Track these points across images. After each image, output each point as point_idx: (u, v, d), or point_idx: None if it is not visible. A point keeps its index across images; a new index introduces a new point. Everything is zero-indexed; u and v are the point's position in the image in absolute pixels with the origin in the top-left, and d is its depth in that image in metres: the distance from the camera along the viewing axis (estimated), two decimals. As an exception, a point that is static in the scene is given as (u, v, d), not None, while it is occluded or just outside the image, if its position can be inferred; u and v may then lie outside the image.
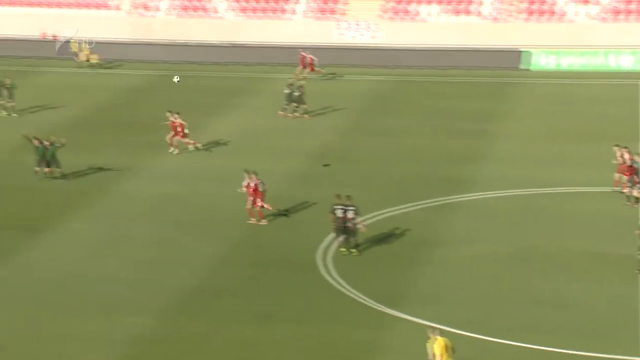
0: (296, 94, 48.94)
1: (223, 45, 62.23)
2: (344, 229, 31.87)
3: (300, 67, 55.90)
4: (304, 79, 54.42)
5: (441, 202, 37.03)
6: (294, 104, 48.90)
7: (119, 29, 64.67)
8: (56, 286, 29.90)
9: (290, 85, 49.56)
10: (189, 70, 59.56)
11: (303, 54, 56.53)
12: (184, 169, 41.18)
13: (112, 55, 62.46)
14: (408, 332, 26.56)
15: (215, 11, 65.42)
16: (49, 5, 66.58)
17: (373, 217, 35.03)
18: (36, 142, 39.19)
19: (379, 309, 28.09)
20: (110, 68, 60.97)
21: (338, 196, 32.22)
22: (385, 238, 33.48)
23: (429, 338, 23.59)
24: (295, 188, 38.75)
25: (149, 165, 41.74)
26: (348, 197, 32.10)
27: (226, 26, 64.43)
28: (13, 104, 49.72)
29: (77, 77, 58.92)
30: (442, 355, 23.14)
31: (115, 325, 27.34)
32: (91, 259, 32.18)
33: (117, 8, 66.18)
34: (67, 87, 56.14)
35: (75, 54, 61.07)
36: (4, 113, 49.73)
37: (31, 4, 66.63)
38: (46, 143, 39.14)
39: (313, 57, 56.21)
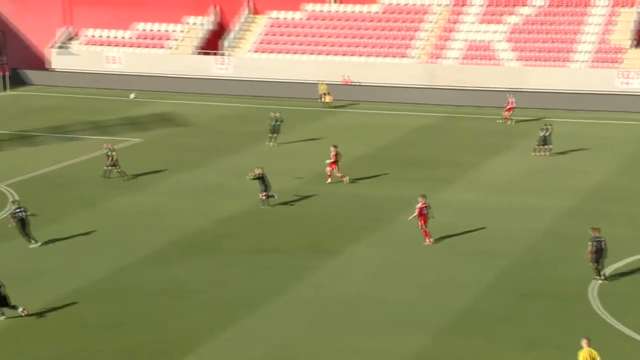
0: (543, 134, 48.45)
1: (504, 90, 61.58)
2: (599, 259, 31.26)
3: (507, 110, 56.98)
4: (505, 119, 56.25)
5: None
6: (542, 145, 48.49)
7: (411, 74, 65.56)
8: (344, 304, 30.20)
9: (542, 128, 49.16)
10: (471, 113, 59.50)
11: (510, 98, 56.81)
12: (460, 203, 40.93)
13: (403, 99, 63.54)
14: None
15: (498, 58, 65.00)
16: (352, 53, 68.25)
17: (642, 254, 33.51)
18: (258, 172, 40.32)
19: (645, 342, 26.74)
20: (343, 107, 62.27)
21: (593, 229, 31.51)
22: (654, 276, 31.88)
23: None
24: (567, 224, 37.64)
25: (430, 197, 41.66)
26: (598, 229, 31.53)
27: (508, 73, 63.85)
28: (276, 135, 51.45)
29: (370, 117, 60.00)
30: None
31: (396, 343, 27.31)
32: (375, 281, 32.35)
33: (410, 56, 67.04)
34: (361, 126, 57.30)
35: (321, 96, 62.76)
36: (271, 144, 51.50)
37: (337, 53, 68.54)
38: (259, 172, 40.24)
39: (514, 101, 56.67)
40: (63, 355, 26.62)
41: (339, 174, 43.80)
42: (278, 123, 51.82)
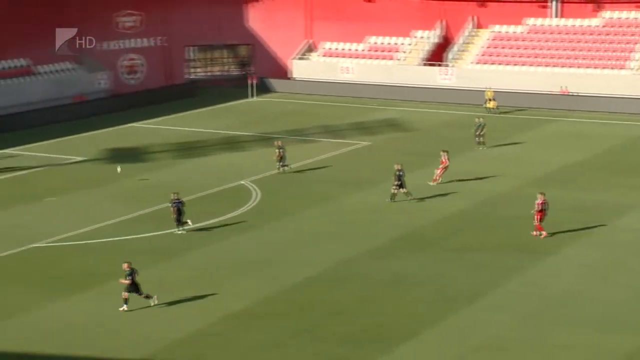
0: None
1: None
2: None
3: None
4: None
5: None
6: None
7: (629, 85, 62.87)
8: (556, 301, 29.29)
9: None
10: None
11: None
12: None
13: (620, 109, 61.20)
14: None
15: None
16: (571, 65, 66.21)
17: None
18: (397, 167, 40.30)
19: None
20: (507, 113, 61.06)
21: None
22: None
23: None
24: None
25: (644, 204, 39.98)
26: None
27: None
28: (483, 140, 50.94)
29: (586, 126, 58.01)
30: None
31: (607, 341, 26.17)
32: (588, 281, 31.13)
33: (629, 68, 64.33)
34: (577, 134, 55.40)
35: (486, 101, 61.91)
36: (480, 147, 50.94)
37: (555, 64, 66.75)
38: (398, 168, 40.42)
39: None
40: (287, 337, 27.07)
41: (437, 176, 43.25)
42: (482, 128, 51.12)
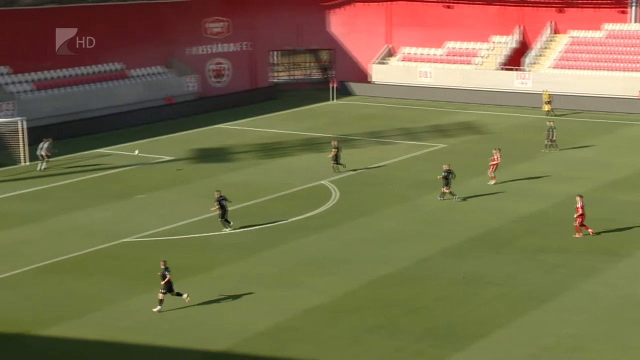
0: None
1: None
2: None
3: None
4: None
5: None
6: None
7: None
8: (632, 302, 28.67)
9: None
10: None
11: None
12: None
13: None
14: None
15: None
16: (647, 71, 65.14)
17: None
18: (445, 167, 40.77)
19: None
20: (562, 116, 60.43)
21: None
22: None
23: None
24: None
25: None
26: None
27: None
28: (550, 143, 50.59)
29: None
30: None
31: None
32: (663, 284, 30.57)
33: None
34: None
35: (544, 104, 61.39)
36: (546, 150, 50.52)
37: (633, 69, 65.37)
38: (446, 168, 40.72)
39: None
40: (364, 332, 27.05)
41: (491, 174, 43.24)
42: (552, 132, 50.60)
